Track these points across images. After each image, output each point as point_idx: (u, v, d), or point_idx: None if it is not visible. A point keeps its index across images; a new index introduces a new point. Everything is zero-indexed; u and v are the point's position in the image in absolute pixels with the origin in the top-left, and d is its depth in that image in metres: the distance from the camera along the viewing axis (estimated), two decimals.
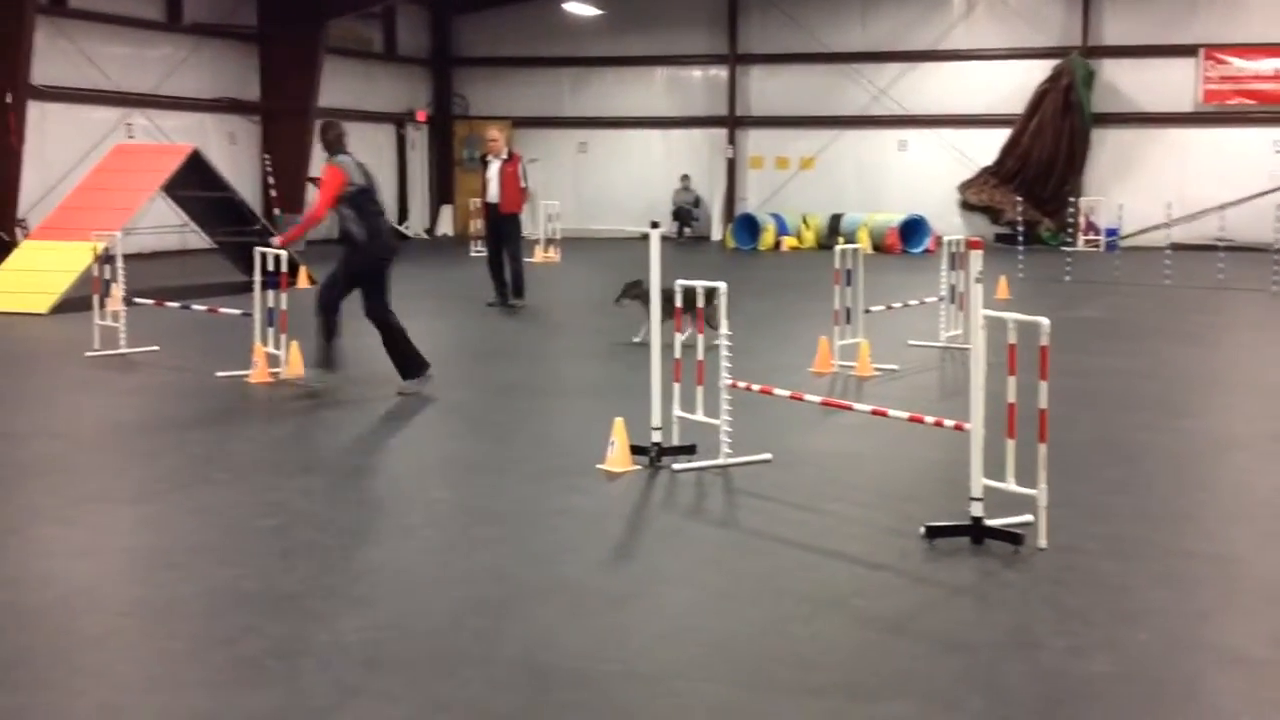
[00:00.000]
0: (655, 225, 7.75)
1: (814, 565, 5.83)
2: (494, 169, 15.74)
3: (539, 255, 23.11)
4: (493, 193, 15.73)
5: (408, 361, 9.94)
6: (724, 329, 7.54)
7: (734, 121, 30.32)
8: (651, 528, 6.57)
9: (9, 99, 19.50)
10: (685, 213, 29.99)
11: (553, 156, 30.26)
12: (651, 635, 4.97)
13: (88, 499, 7.02)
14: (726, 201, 30.30)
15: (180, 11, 24.23)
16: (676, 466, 7.45)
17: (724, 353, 7.50)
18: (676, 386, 7.67)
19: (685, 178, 30.19)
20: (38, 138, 20.61)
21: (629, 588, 5.52)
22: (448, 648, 4.80)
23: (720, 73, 30.38)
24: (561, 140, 31.05)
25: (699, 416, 7.65)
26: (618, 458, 7.42)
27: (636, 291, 12.34)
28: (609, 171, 30.86)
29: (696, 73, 30.82)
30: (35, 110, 20.38)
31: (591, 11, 29.50)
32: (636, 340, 11.93)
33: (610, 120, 30.89)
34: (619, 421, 7.47)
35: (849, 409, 8.03)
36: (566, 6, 29.44)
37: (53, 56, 20.99)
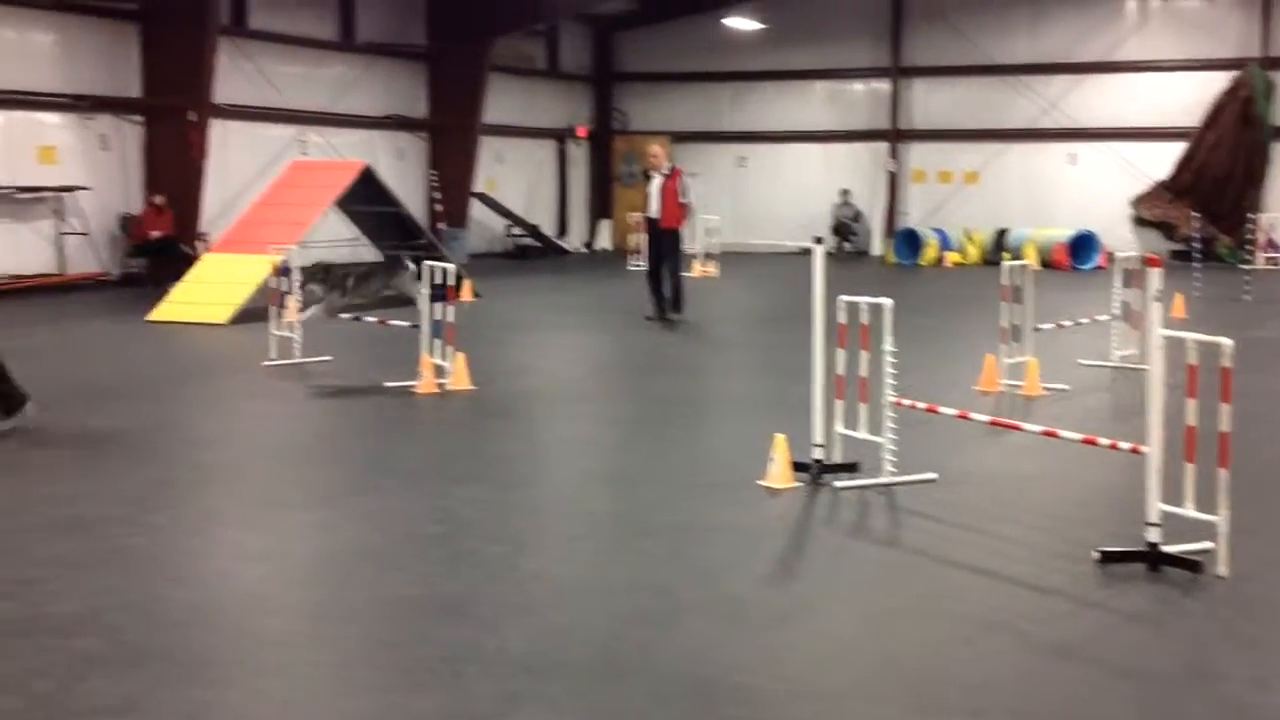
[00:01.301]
0: (819, 240, 7.70)
1: (981, 587, 5.71)
2: (655, 184, 15.86)
3: (697, 269, 23.17)
4: (653, 208, 15.85)
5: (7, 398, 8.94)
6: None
7: (896, 135, 29.96)
8: (814, 545, 6.52)
9: (193, 117, 20.37)
10: (845, 227, 29.74)
11: (711, 171, 30.31)
12: (814, 654, 4.93)
13: (264, 503, 7.28)
14: (887, 216, 29.95)
15: (353, 31, 25.00)
16: (839, 484, 7.38)
17: (888, 369, 7.41)
18: (839, 403, 7.61)
19: (845, 192, 29.94)
20: (219, 154, 21.46)
21: (791, 605, 5.49)
22: (609, 658, 4.84)
23: (883, 85, 30.06)
24: (720, 154, 31.09)
25: (862, 434, 7.57)
26: (779, 474, 7.38)
27: (322, 276, 11.44)
28: (768, 185, 30.78)
29: (858, 85, 30.55)
30: (217, 128, 21.23)
31: (754, 26, 29.50)
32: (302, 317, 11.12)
33: (770, 134, 30.82)
34: (780, 438, 7.44)
35: (1018, 429, 7.86)
36: (727, 21, 29.51)
37: (233, 76, 21.84)
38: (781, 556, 6.22)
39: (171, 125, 20.56)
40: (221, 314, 15.32)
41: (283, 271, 12.78)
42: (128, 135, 20.84)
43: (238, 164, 22.07)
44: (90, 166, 20.19)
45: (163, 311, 15.69)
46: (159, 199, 20.25)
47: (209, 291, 15.90)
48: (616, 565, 6.09)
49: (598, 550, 6.35)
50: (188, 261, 18.08)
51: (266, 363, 11.99)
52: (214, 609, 5.43)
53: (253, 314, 14.46)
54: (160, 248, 19.97)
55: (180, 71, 20.29)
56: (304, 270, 11.41)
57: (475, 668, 4.71)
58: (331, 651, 4.97)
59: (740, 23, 29.49)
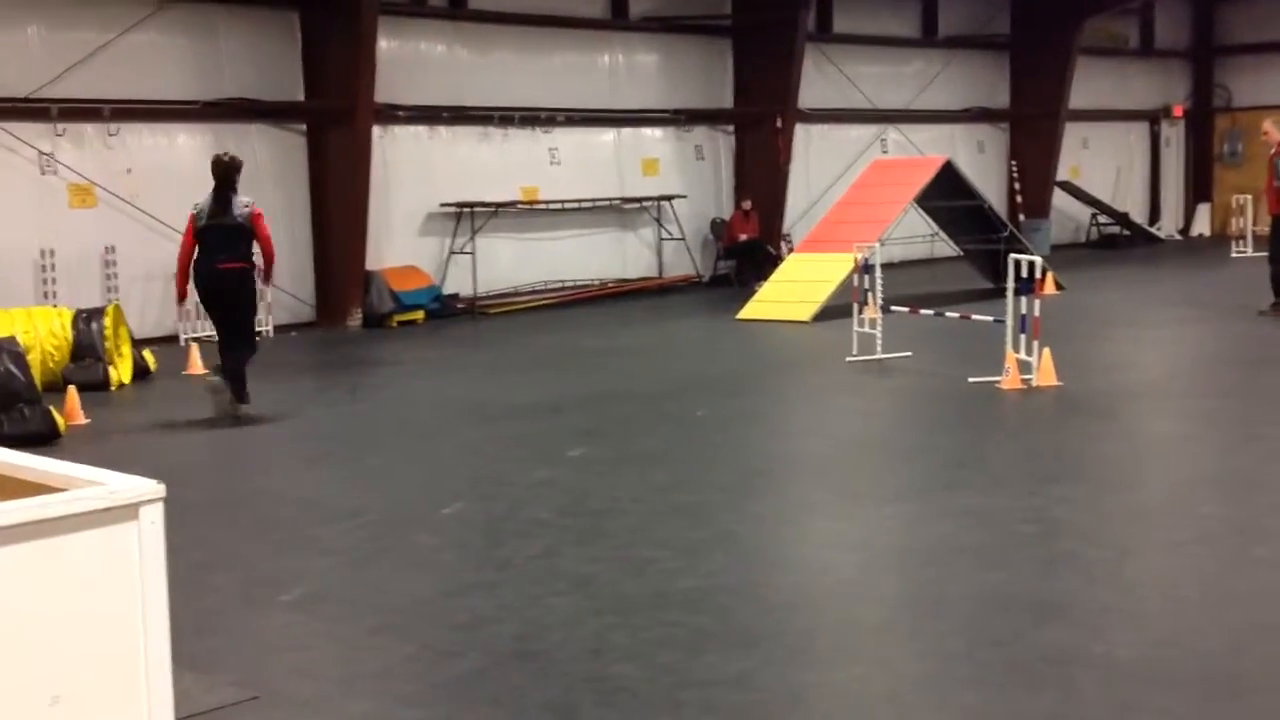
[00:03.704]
0: None
1: None
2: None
3: None
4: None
5: (239, 386, 10.17)
6: None
7: None
8: None
9: (779, 123, 21.22)
10: None
11: None
12: None
13: (855, 494, 7.43)
14: None
15: (935, 27, 24.94)
16: None
17: None
18: None
19: None
20: (801, 158, 22.18)
21: None
22: (1229, 671, 4.49)
23: None
24: None
25: None
26: None
27: None
28: None
29: None
30: (801, 132, 21.97)
31: None
32: None
33: None
34: None
35: None
36: None
37: (817, 80, 22.49)
38: None
39: (759, 133, 21.53)
40: (805, 311, 15.81)
41: (864, 269, 13.01)
42: (720, 145, 22.08)
43: (819, 166, 22.71)
44: (686, 176, 21.58)
45: (750, 310, 16.45)
46: (747, 204, 21.26)
47: (793, 290, 16.46)
48: (1232, 574, 5.64)
49: (1209, 557, 5.90)
50: (773, 262, 18.84)
51: (849, 358, 12.23)
52: (814, 595, 5.62)
53: (834, 311, 14.82)
54: (748, 250, 20.96)
55: (769, 81, 21.20)
56: None
57: (1082, 671, 4.54)
58: (931, 644, 4.97)
59: None
